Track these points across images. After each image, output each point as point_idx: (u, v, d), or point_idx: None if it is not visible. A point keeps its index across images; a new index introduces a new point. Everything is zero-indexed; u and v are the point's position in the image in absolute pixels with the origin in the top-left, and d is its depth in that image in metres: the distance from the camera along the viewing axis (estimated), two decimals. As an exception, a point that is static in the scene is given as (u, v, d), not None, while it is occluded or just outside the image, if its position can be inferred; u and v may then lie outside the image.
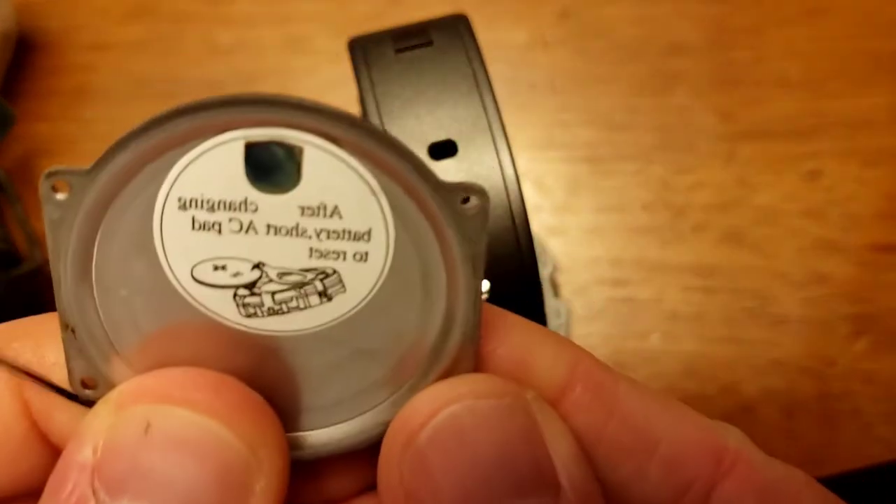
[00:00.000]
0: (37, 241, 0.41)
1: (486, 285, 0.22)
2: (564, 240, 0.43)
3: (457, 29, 0.28)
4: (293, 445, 0.16)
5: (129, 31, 0.49)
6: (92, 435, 0.15)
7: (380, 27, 0.29)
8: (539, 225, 0.43)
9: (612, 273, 0.42)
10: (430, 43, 0.28)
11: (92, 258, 0.15)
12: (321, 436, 0.17)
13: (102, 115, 0.47)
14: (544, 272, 0.40)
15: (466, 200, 0.15)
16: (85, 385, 0.16)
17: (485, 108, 0.27)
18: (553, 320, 0.39)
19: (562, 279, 0.42)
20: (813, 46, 0.46)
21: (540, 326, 0.17)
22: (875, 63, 0.45)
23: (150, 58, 0.48)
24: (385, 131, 0.16)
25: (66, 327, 0.16)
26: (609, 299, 0.41)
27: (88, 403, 0.16)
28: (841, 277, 0.41)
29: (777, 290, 0.41)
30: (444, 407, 0.15)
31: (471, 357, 0.16)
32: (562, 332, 0.39)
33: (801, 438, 0.38)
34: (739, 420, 0.38)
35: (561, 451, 0.15)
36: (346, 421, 0.17)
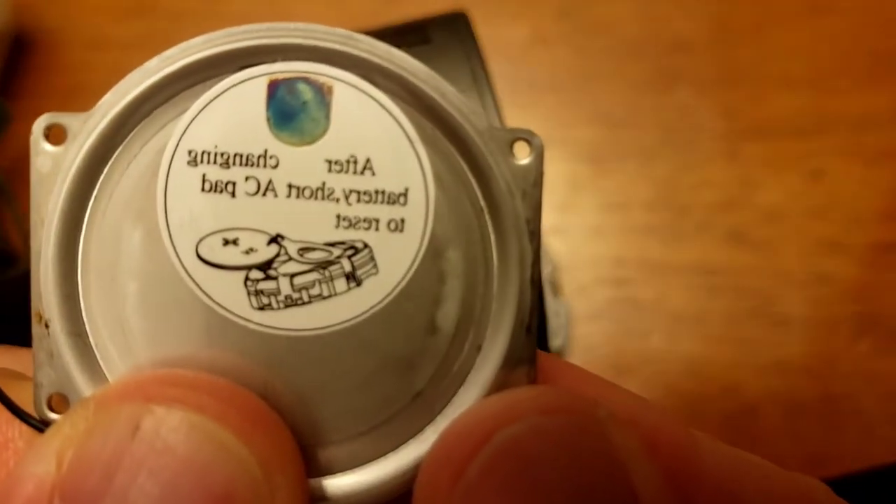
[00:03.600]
0: (33, 241, 0.41)
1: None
2: (566, 239, 0.42)
3: (456, 27, 0.28)
4: (312, 495, 0.13)
5: (126, 29, 0.49)
6: (58, 443, 0.11)
7: (378, 25, 0.28)
8: (540, 224, 0.42)
9: (613, 272, 0.41)
10: (428, 41, 0.27)
11: (81, 227, 0.13)
12: (346, 481, 0.13)
13: (100, 113, 0.47)
14: (543, 272, 0.40)
15: (515, 148, 0.13)
16: (52, 408, 0.13)
17: (484, 107, 0.26)
18: (552, 321, 0.39)
19: (563, 278, 0.41)
20: (816, 44, 0.45)
21: (603, 378, 0.14)
22: (878, 61, 0.45)
23: (147, 56, 0.48)
24: (425, 67, 0.13)
25: (39, 319, 0.13)
26: (611, 299, 0.41)
27: None
28: (844, 277, 0.40)
29: (780, 289, 0.40)
30: (500, 426, 0.11)
31: (528, 359, 0.13)
32: (561, 333, 0.38)
33: (804, 440, 0.38)
34: (742, 421, 0.38)
35: (647, 485, 0.11)
36: (377, 459, 0.13)
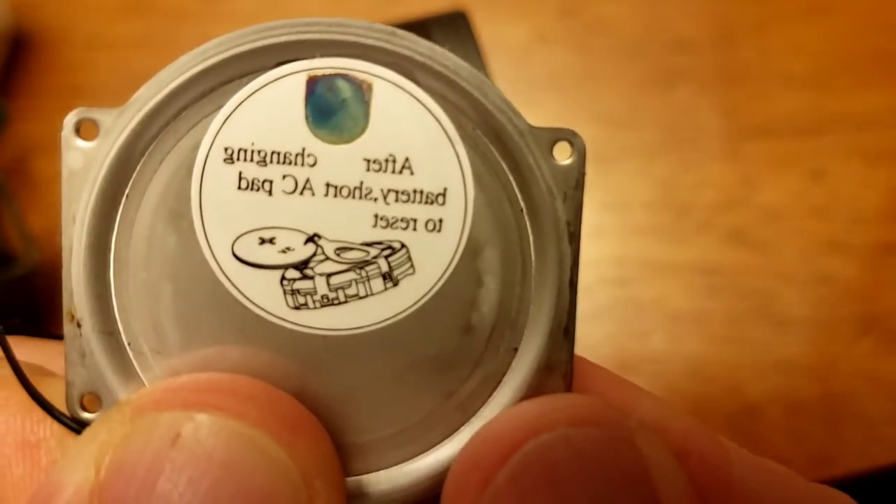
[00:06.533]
0: (33, 241, 0.40)
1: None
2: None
3: (456, 26, 0.28)
4: (348, 494, 0.13)
5: (125, 28, 0.49)
6: (95, 448, 0.11)
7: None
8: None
9: (614, 272, 0.41)
10: (428, 40, 0.27)
11: (113, 224, 0.13)
12: (382, 481, 0.13)
13: (99, 113, 0.47)
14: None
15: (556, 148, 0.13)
16: (84, 407, 0.12)
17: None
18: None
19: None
20: (817, 44, 0.45)
21: (635, 384, 0.14)
22: (880, 61, 0.45)
23: (146, 55, 0.48)
24: (468, 65, 0.13)
25: (71, 318, 0.12)
26: (612, 298, 0.41)
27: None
28: (845, 277, 0.40)
29: (781, 289, 0.40)
30: (531, 435, 0.11)
31: (564, 362, 0.13)
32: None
33: (805, 440, 0.38)
34: (743, 422, 0.38)
35: (673, 498, 0.11)
36: (412, 459, 0.13)
